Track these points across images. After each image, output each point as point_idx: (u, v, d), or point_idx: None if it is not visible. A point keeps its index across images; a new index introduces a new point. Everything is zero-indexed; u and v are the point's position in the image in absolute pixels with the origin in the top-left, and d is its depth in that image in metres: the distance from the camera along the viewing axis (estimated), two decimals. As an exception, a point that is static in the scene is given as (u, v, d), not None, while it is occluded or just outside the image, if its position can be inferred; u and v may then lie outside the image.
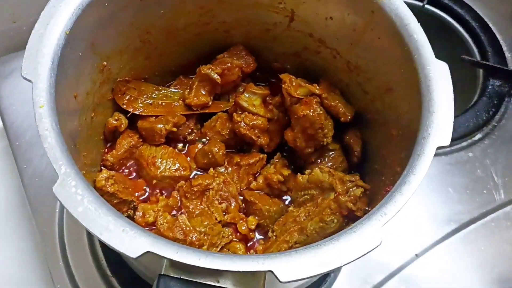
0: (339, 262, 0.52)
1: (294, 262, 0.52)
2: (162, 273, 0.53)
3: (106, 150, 0.85)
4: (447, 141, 0.60)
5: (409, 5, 0.69)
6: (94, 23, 0.69)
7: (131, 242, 0.51)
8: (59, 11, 0.63)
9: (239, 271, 0.51)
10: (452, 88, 0.63)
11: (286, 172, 0.84)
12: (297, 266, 0.51)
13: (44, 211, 0.92)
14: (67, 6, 0.64)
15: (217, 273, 0.52)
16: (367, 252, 0.53)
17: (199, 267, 0.51)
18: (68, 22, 0.64)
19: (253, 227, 0.82)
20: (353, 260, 0.52)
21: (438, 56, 0.66)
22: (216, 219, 0.80)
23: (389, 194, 0.57)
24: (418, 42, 0.65)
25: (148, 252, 0.51)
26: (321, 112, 0.80)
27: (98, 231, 0.52)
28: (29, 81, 0.59)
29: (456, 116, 1.04)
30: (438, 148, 0.60)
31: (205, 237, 0.76)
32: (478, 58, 1.14)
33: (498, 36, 1.16)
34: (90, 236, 0.91)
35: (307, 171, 0.80)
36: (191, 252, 0.51)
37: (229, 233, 0.80)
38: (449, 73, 0.64)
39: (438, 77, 0.63)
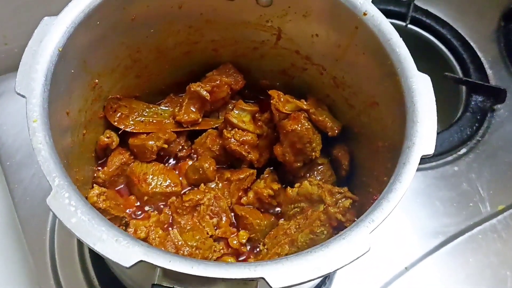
0: (330, 268, 0.53)
1: (285, 268, 0.52)
2: (155, 283, 0.54)
3: (97, 168, 0.86)
4: (431, 149, 0.61)
5: (392, 25, 0.71)
6: (86, 41, 0.70)
7: (124, 251, 0.52)
8: (52, 29, 0.65)
9: (231, 279, 0.52)
10: (434, 98, 0.65)
11: (276, 186, 0.86)
12: (289, 273, 0.52)
13: (35, 230, 0.92)
14: (60, 25, 0.66)
15: (210, 282, 0.53)
16: (357, 258, 0.54)
17: (192, 275, 0.51)
18: (61, 40, 0.65)
19: (244, 241, 0.82)
20: (343, 266, 0.53)
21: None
22: (207, 233, 0.81)
23: (376, 201, 0.59)
24: (400, 56, 0.68)
25: (141, 261, 0.52)
26: (309, 126, 0.82)
27: (92, 242, 0.52)
28: (23, 96, 0.60)
29: (440, 132, 1.08)
30: (423, 156, 0.61)
31: (197, 251, 0.77)
32: (461, 75, 1.17)
33: (479, 54, 1.19)
34: (81, 254, 0.91)
35: (297, 185, 0.81)
36: (184, 261, 0.52)
37: (221, 247, 0.81)
38: (431, 85, 0.66)
39: (421, 89, 0.65)
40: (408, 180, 0.59)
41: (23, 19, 1.04)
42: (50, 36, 0.64)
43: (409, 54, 0.68)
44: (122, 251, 0.52)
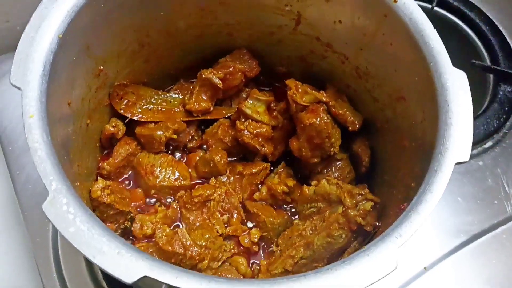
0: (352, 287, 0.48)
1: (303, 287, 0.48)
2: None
3: (102, 158, 0.81)
4: (466, 157, 0.56)
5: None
6: (90, 25, 0.65)
7: (127, 265, 0.48)
8: (51, 12, 0.59)
9: (244, 298, 0.47)
10: (470, 99, 0.59)
11: (291, 182, 0.80)
12: (307, 293, 0.47)
13: (38, 219, 0.87)
14: (60, 8, 0.60)
15: (219, 300, 0.48)
16: (382, 277, 0.49)
17: (200, 293, 0.47)
18: (61, 25, 0.59)
19: (256, 239, 0.78)
20: (367, 286, 0.48)
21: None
22: (217, 231, 0.76)
23: (404, 213, 0.53)
24: (434, 49, 0.61)
25: (145, 276, 0.47)
26: (328, 120, 0.76)
27: (91, 254, 0.48)
28: (18, 88, 0.55)
29: (466, 123, 1.02)
30: (457, 164, 0.55)
31: (206, 251, 0.72)
32: (489, 62, 1.10)
33: (509, 40, 1.12)
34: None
35: (314, 183, 0.76)
36: (192, 277, 0.48)
37: (231, 247, 0.76)
38: (468, 83, 0.60)
39: (457, 87, 0.59)
40: (440, 191, 0.54)
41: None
42: (49, 21, 0.59)
43: (444, 48, 0.62)
44: (125, 265, 0.48)
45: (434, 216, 0.95)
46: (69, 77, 0.64)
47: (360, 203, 0.69)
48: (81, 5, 0.61)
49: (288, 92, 0.78)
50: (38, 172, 0.51)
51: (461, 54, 1.07)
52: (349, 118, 0.78)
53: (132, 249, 0.49)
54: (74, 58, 0.64)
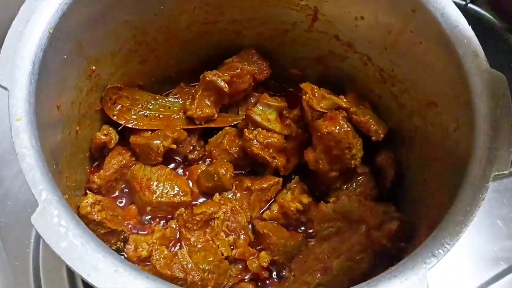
0: (377, 314, 0.49)
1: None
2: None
3: (92, 170, 0.83)
4: (505, 167, 0.57)
5: (450, 4, 0.68)
6: (82, 21, 0.68)
7: (125, 285, 0.49)
8: (42, 6, 0.62)
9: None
10: (511, 103, 0.61)
11: (306, 199, 0.82)
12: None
13: (17, 240, 0.89)
14: (51, 1, 0.63)
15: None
16: (411, 303, 0.50)
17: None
18: (51, 19, 0.62)
19: (265, 264, 0.80)
20: (394, 312, 0.50)
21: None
22: (222, 254, 0.78)
23: (436, 231, 0.55)
24: (469, 48, 0.64)
25: (145, 298, 0.49)
26: (349, 129, 0.78)
27: (85, 272, 0.49)
28: (5, 88, 0.57)
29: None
30: (495, 176, 0.57)
31: (209, 276, 0.74)
32: (531, 67, 1.12)
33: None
34: (70, 272, 0.89)
35: (332, 199, 0.78)
36: (196, 299, 0.49)
37: (238, 272, 0.78)
38: (507, 87, 0.62)
39: (494, 91, 0.61)
40: (477, 207, 0.55)
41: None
42: (39, 15, 0.61)
43: (480, 47, 0.64)
44: (122, 284, 0.49)
45: (469, 241, 0.96)
46: (59, 77, 0.66)
47: (385, 223, 0.71)
48: (74, -3, 0.64)
49: (304, 97, 0.80)
50: (24, 178, 0.53)
51: (498, 56, 1.09)
52: (372, 126, 0.80)
53: (130, 267, 0.50)
54: (65, 57, 0.66)
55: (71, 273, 0.89)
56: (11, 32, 0.60)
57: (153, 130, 0.84)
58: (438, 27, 0.66)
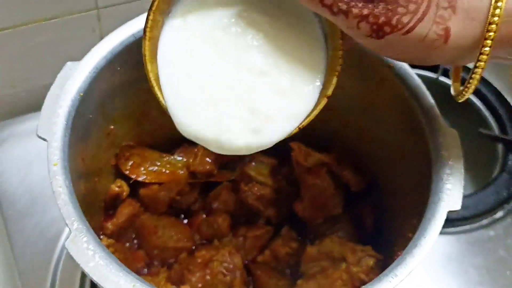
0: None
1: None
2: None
3: (105, 219, 0.94)
4: (457, 205, 0.69)
5: (422, 77, 0.80)
6: (106, 87, 0.80)
7: (141, 297, 0.60)
8: (75, 73, 0.75)
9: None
10: (461, 153, 0.73)
11: (294, 244, 0.93)
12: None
13: (35, 285, 0.98)
14: (82, 69, 0.76)
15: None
16: (378, 315, 0.61)
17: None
18: (82, 85, 0.75)
19: (256, 306, 0.89)
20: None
21: (454, 129, 0.76)
22: (220, 293, 0.88)
23: (400, 257, 0.66)
24: (428, 109, 0.76)
25: (158, 309, 0.59)
26: (331, 182, 0.90)
27: (109, 286, 0.60)
28: (44, 139, 0.69)
29: (475, 192, 1.15)
30: (449, 212, 0.69)
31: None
32: (497, 132, 1.25)
33: (516, 111, 1.28)
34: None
35: (317, 242, 0.88)
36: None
37: (234, 309, 0.87)
38: (459, 140, 0.74)
39: (448, 143, 0.73)
40: (434, 235, 0.66)
41: (33, 63, 1.15)
42: (73, 81, 0.74)
43: (436, 107, 0.76)
44: (139, 297, 0.60)
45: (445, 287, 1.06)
46: (85, 134, 0.78)
47: (363, 259, 0.82)
48: (100, 67, 0.77)
49: (292, 154, 0.92)
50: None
51: (469, 124, 1.23)
52: (352, 179, 0.92)
53: (146, 284, 0.61)
54: (90, 116, 0.79)
55: (83, 314, 0.98)
56: (49, 95, 0.73)
57: (160, 184, 0.95)
58: (402, 93, 0.79)
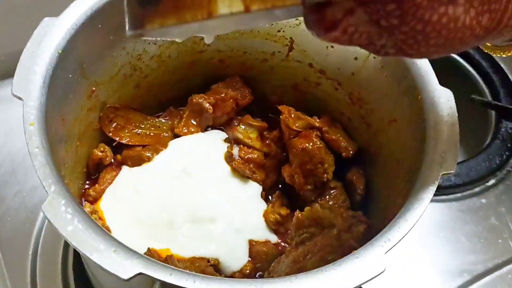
0: (341, 286, 0.57)
1: (294, 286, 0.57)
2: (154, 299, 0.58)
3: (88, 185, 0.91)
4: (452, 167, 0.66)
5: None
6: (86, 45, 0.77)
7: (123, 263, 0.57)
8: (53, 30, 0.71)
9: (236, 296, 0.56)
10: (456, 114, 0.70)
11: (284, 211, 0.90)
12: (297, 291, 0.57)
13: (16, 253, 0.96)
14: (61, 26, 0.72)
15: (213, 299, 0.57)
16: (371, 278, 0.58)
17: (193, 291, 0.56)
18: (61, 42, 0.71)
19: (248, 272, 0.87)
20: (356, 286, 0.58)
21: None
22: (208, 261, 0.85)
23: (393, 220, 0.63)
24: (421, 69, 0.74)
25: (140, 273, 0.56)
26: (321, 145, 0.87)
27: (88, 251, 0.57)
28: (20, 98, 0.66)
29: (467, 160, 1.13)
30: (444, 175, 0.66)
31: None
32: (490, 98, 1.22)
33: (510, 77, 1.25)
34: (65, 282, 0.95)
35: (307, 208, 0.86)
36: (186, 275, 0.57)
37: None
38: (454, 100, 0.72)
39: (443, 104, 0.71)
40: (428, 199, 0.64)
41: (12, 26, 1.11)
42: (50, 37, 0.70)
43: (431, 67, 0.74)
44: (120, 262, 0.57)
45: (435, 256, 1.04)
46: (64, 94, 0.75)
47: (353, 226, 0.79)
48: (80, 23, 0.73)
49: (281, 117, 0.89)
50: (37, 176, 0.61)
51: (462, 91, 1.20)
52: (342, 144, 0.89)
53: (127, 248, 0.58)
54: (70, 76, 0.75)
55: (66, 283, 0.95)
56: (25, 52, 0.69)
57: (144, 146, 0.93)
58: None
